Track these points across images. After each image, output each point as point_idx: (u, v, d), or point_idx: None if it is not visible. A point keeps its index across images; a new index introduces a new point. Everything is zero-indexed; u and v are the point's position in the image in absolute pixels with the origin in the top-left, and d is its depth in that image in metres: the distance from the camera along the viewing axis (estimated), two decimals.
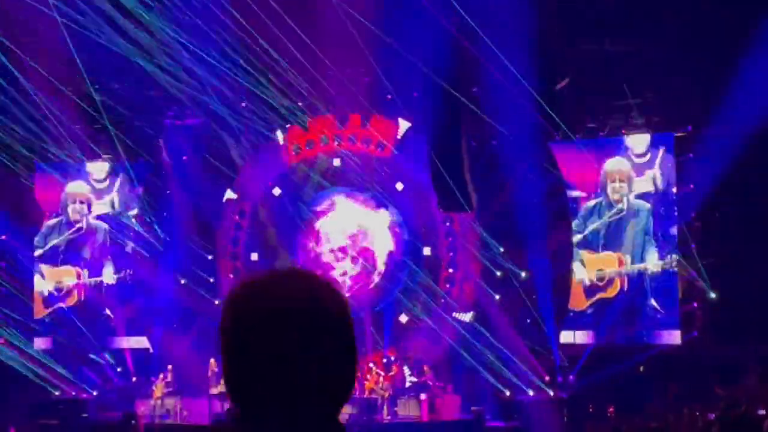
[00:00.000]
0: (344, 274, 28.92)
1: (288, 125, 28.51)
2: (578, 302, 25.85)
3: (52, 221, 29.31)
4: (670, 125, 25.11)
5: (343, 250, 29.06)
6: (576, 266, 25.77)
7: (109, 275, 28.97)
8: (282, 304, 2.67)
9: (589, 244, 25.75)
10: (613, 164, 25.41)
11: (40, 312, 29.17)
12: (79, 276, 29.20)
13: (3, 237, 28.74)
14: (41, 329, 29.04)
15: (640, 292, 25.04)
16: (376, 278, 28.80)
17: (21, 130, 26.90)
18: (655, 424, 17.18)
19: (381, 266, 28.77)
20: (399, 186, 28.47)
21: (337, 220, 29.09)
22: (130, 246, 28.98)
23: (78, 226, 29.21)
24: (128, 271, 28.87)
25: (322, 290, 2.73)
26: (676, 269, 24.69)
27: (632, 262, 25.16)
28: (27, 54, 25.10)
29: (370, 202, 28.94)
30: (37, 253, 29.23)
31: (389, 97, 27.70)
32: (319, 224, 29.19)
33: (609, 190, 25.41)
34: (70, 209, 29.17)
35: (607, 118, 25.78)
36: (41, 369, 28.46)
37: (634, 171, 25.19)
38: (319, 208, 29.21)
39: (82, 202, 29.16)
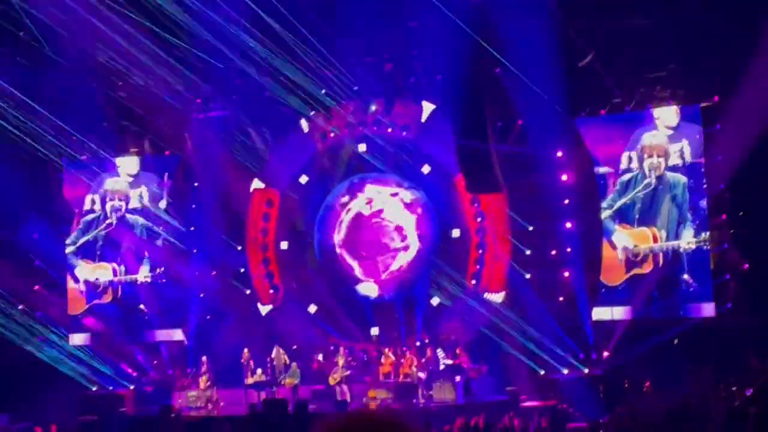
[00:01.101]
0: (374, 260, 28.95)
1: (312, 113, 28.49)
2: (613, 277, 25.73)
3: (89, 217, 29.50)
4: (696, 97, 24.90)
5: (372, 236, 29.06)
6: (614, 238, 25.64)
7: (145, 273, 29.12)
8: None
9: (624, 217, 25.60)
10: (650, 138, 25.21)
11: (76, 308, 29.37)
12: (115, 272, 29.38)
13: (35, 236, 28.87)
14: (78, 325, 29.24)
15: (675, 267, 24.92)
16: (406, 263, 28.78)
17: (48, 129, 27.03)
18: (693, 399, 17.11)
19: (411, 251, 28.75)
20: (425, 169, 28.42)
21: (365, 206, 29.07)
22: (160, 240, 29.12)
23: (108, 221, 29.36)
24: (161, 268, 29.00)
25: None
26: (708, 246, 24.54)
27: (667, 238, 25.01)
28: (52, 51, 25.15)
29: (397, 187, 28.91)
30: (71, 249, 29.42)
31: (412, 80, 27.67)
32: (348, 211, 29.19)
33: (646, 165, 25.22)
34: (108, 204, 29.32)
35: (633, 92, 25.60)
36: (78, 365, 28.70)
37: (669, 144, 25.03)
38: (347, 195, 29.22)
39: (120, 198, 29.33)
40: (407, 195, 28.87)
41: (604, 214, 25.76)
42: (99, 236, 29.47)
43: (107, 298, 29.33)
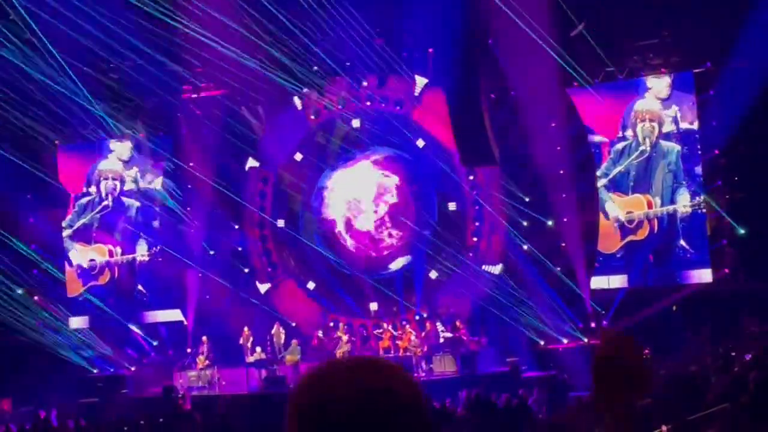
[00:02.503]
0: (370, 236, 28.98)
1: (305, 90, 28.43)
2: (609, 245, 25.79)
3: (84, 200, 29.52)
4: (689, 64, 24.89)
5: (366, 211, 29.08)
6: (607, 208, 25.67)
7: (142, 252, 29.14)
8: (354, 404, 2.54)
9: (618, 186, 25.64)
10: (643, 104, 25.21)
11: (74, 290, 29.40)
12: (111, 254, 29.39)
13: (31, 220, 28.86)
14: (77, 308, 29.27)
15: (670, 233, 24.97)
16: (401, 238, 28.81)
17: (41, 112, 26.97)
18: (693, 367, 17.18)
19: (407, 224, 28.78)
20: (420, 143, 28.40)
21: (357, 181, 29.07)
22: (157, 221, 29.12)
23: (104, 203, 29.36)
24: (158, 247, 29.02)
25: (394, 382, 2.59)
26: (704, 210, 24.60)
27: (661, 204, 25.05)
28: (44, 34, 25.07)
29: (392, 161, 28.91)
30: (67, 233, 29.42)
31: (404, 54, 27.61)
32: (342, 186, 29.19)
33: (639, 131, 25.22)
34: (102, 186, 29.32)
35: (625, 60, 25.58)
36: (78, 347, 28.77)
37: (663, 111, 25.02)
38: (341, 172, 29.22)
39: (114, 179, 29.31)
40: (400, 169, 28.85)
41: (599, 183, 25.79)
42: (95, 218, 29.47)
43: (104, 279, 29.34)
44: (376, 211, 29.04)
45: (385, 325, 27.56)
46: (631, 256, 25.55)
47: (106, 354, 28.97)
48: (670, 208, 24.93)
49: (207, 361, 27.23)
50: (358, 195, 29.10)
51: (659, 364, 21.67)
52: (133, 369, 28.74)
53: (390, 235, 28.93)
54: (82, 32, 24.83)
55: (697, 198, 24.59)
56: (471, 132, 24.90)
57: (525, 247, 26.97)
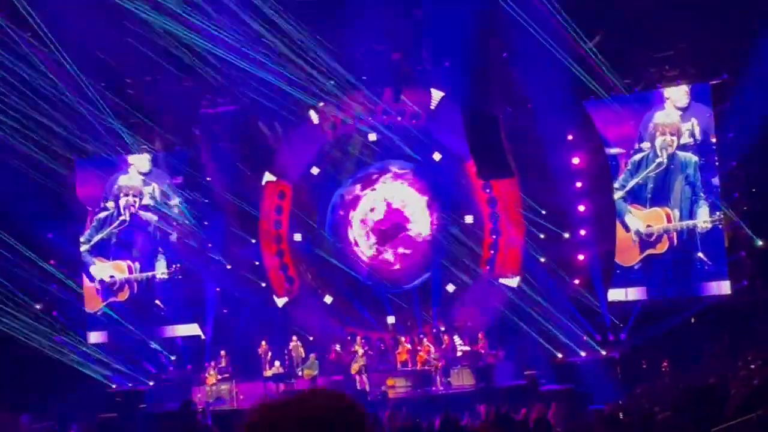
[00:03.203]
0: (386, 250, 28.99)
1: (321, 104, 28.50)
2: (627, 258, 25.73)
3: (102, 215, 29.57)
4: (706, 75, 24.86)
5: (382, 225, 29.10)
6: (626, 220, 25.62)
7: (162, 270, 29.18)
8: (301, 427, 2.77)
9: (636, 198, 25.59)
10: (663, 117, 25.17)
11: (92, 306, 29.45)
12: (130, 270, 29.45)
13: (49, 235, 28.95)
14: (95, 323, 29.32)
15: (689, 246, 24.90)
16: (418, 251, 28.84)
17: (58, 128, 27.08)
18: (713, 379, 17.10)
19: (424, 237, 28.79)
20: (437, 156, 28.43)
21: (376, 195, 29.11)
22: (174, 235, 29.18)
23: (122, 218, 29.43)
24: (177, 265, 29.07)
25: (339, 408, 2.84)
26: (722, 225, 24.51)
27: (681, 218, 24.98)
28: (62, 50, 25.19)
29: (409, 175, 28.95)
30: (85, 248, 29.49)
31: (420, 68, 27.65)
32: (359, 200, 29.25)
33: (658, 143, 25.18)
34: (121, 201, 29.38)
35: (642, 72, 25.56)
36: (97, 363, 28.81)
37: (681, 123, 24.98)
38: (358, 185, 29.26)
39: (135, 196, 29.39)
40: (416, 182, 28.88)
41: (617, 195, 25.74)
42: (113, 234, 29.55)
43: (123, 296, 29.40)
44: (393, 225, 29.04)
45: (402, 339, 27.55)
46: (650, 269, 25.49)
47: (125, 369, 28.98)
48: (690, 223, 24.86)
49: (219, 375, 27.24)
50: (377, 208, 29.11)
51: (678, 376, 21.62)
52: (151, 384, 28.74)
53: (406, 249, 28.92)
54: (101, 48, 24.97)
55: (717, 213, 24.51)
56: (487, 145, 24.90)
57: (542, 259, 26.94)
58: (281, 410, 2.81)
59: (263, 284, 29.47)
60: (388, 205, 29.08)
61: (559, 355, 26.16)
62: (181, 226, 29.23)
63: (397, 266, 29.02)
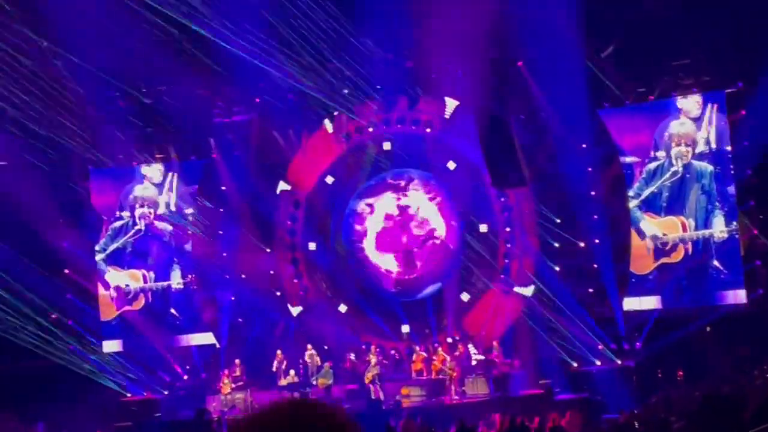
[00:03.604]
0: (401, 259, 29.01)
1: (336, 113, 28.56)
2: (641, 266, 25.68)
3: (117, 224, 29.60)
4: (720, 83, 24.81)
5: (397, 234, 29.11)
6: (639, 229, 25.56)
7: (177, 280, 29.20)
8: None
9: (650, 206, 25.55)
10: (678, 126, 25.12)
11: (107, 315, 29.48)
12: (145, 279, 29.48)
13: (64, 244, 29.01)
14: (110, 332, 29.36)
15: (705, 255, 24.83)
16: (435, 257, 28.84)
17: (74, 137, 27.16)
18: (728, 388, 17.05)
19: (438, 243, 28.80)
20: (451, 165, 28.45)
21: (390, 205, 29.13)
22: (189, 245, 29.22)
23: (137, 228, 29.48)
24: (191, 275, 29.11)
25: (325, 417, 2.94)
26: (738, 235, 24.43)
27: (696, 228, 24.91)
28: (79, 58, 25.31)
29: (421, 184, 28.96)
30: (100, 257, 29.52)
31: (434, 77, 27.67)
32: (373, 211, 29.27)
33: (673, 153, 25.13)
34: (137, 212, 29.44)
35: (657, 81, 25.52)
36: (112, 372, 28.85)
37: (696, 132, 24.93)
38: (372, 195, 29.28)
39: (150, 206, 29.43)
40: (431, 191, 28.90)
41: (632, 204, 25.69)
42: (128, 243, 29.58)
43: (138, 305, 29.44)
44: (408, 234, 29.06)
45: (417, 348, 27.54)
46: (665, 278, 25.42)
47: (140, 378, 29.02)
48: (706, 232, 24.78)
49: (233, 384, 27.26)
50: (392, 217, 29.15)
51: (693, 385, 21.56)
52: (166, 393, 28.75)
53: (422, 258, 28.95)
54: (117, 56, 25.06)
55: (732, 222, 24.44)
56: (501, 154, 24.93)
57: (557, 268, 26.89)
58: (272, 418, 2.91)
59: (278, 293, 29.47)
60: (404, 213, 29.07)
61: (574, 364, 26.11)
62: (196, 236, 29.26)
63: (413, 275, 29.00)
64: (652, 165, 25.47)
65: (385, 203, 29.23)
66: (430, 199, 28.98)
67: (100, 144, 27.84)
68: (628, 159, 25.82)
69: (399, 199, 29.16)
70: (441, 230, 28.88)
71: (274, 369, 27.50)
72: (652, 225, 25.50)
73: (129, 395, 28.72)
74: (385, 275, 29.16)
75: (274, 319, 29.12)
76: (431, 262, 28.92)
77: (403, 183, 29.18)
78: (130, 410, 27.64)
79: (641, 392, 23.93)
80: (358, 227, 29.43)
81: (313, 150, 29.21)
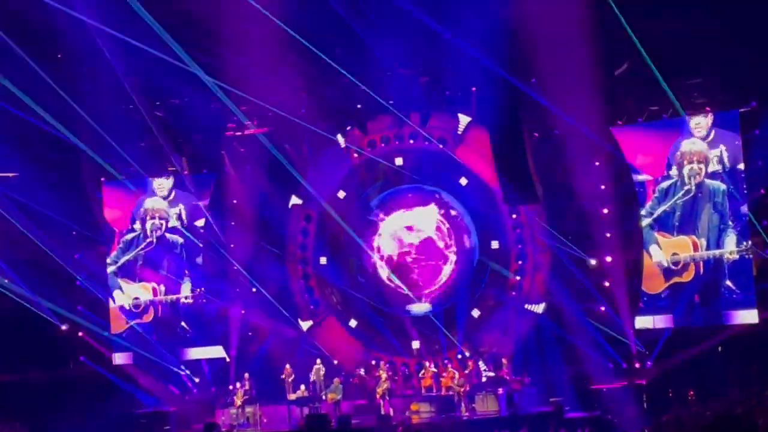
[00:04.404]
0: (413, 273, 28.98)
1: (348, 128, 28.60)
2: (653, 286, 25.56)
3: (129, 236, 29.66)
4: (734, 102, 24.73)
5: (409, 250, 29.09)
6: (651, 249, 25.48)
7: (186, 292, 29.21)
8: None
9: (663, 225, 25.45)
10: (690, 145, 25.06)
11: (118, 327, 29.51)
12: (155, 292, 29.50)
13: (77, 256, 29.07)
14: (120, 345, 29.38)
15: (716, 274, 24.71)
16: (445, 276, 28.80)
17: (86, 150, 27.20)
18: (739, 409, 16.98)
19: (450, 263, 28.77)
20: (463, 181, 28.44)
21: (402, 220, 29.12)
22: (200, 258, 29.23)
23: (148, 240, 29.53)
24: (201, 289, 29.11)
25: None
26: (751, 255, 24.33)
27: (708, 247, 24.81)
28: (89, 75, 25.37)
29: (434, 200, 28.94)
30: (111, 269, 29.56)
31: (448, 93, 27.67)
32: (384, 225, 29.27)
33: (686, 171, 25.06)
34: (149, 224, 29.48)
35: (670, 100, 25.44)
36: (122, 383, 28.86)
37: (709, 151, 24.86)
38: (384, 209, 29.27)
39: (161, 218, 29.47)
40: (445, 208, 28.88)
41: (644, 222, 25.60)
42: (139, 255, 29.61)
43: (148, 318, 29.45)
44: (421, 249, 29.05)
45: (427, 364, 27.48)
46: (676, 297, 25.32)
47: (149, 391, 29.01)
48: (717, 252, 24.68)
49: (246, 397, 27.23)
50: (402, 234, 29.13)
51: (704, 405, 21.45)
52: (175, 406, 28.72)
53: (434, 273, 28.93)
54: (129, 69, 25.11)
55: (744, 243, 24.35)
56: (514, 170, 24.87)
57: (568, 286, 26.80)
58: None
59: (288, 307, 29.45)
60: (415, 229, 29.06)
61: (586, 383, 25.99)
62: (207, 249, 29.27)
63: (424, 291, 28.98)
64: (665, 183, 25.39)
65: (397, 219, 29.22)
66: (443, 215, 28.94)
67: (113, 156, 27.85)
68: (641, 177, 25.74)
69: (410, 214, 29.12)
70: (450, 246, 28.82)
71: (284, 377, 27.47)
72: (664, 244, 25.41)
73: (139, 408, 28.66)
74: (396, 291, 29.11)
75: (285, 333, 29.08)
76: (443, 277, 28.86)
77: (415, 199, 29.15)
78: (139, 423, 27.69)
79: (652, 411, 23.83)
80: (369, 242, 29.39)
81: (325, 164, 29.23)
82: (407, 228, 29.16)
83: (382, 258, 29.35)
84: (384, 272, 29.27)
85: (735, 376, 23.40)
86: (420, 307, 28.97)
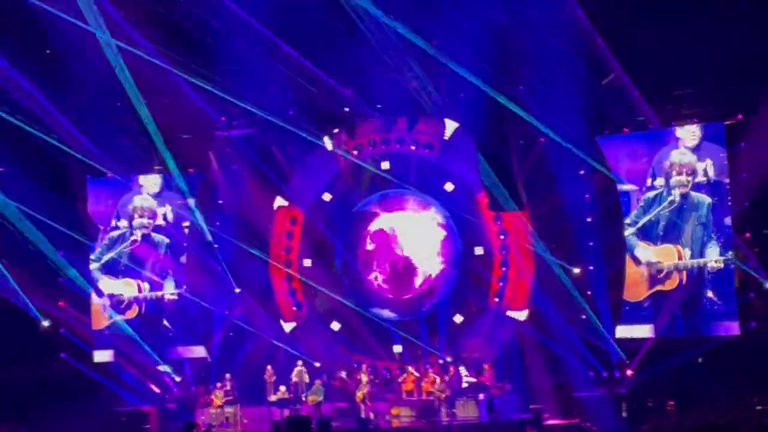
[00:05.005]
0: (396, 278, 28.99)
1: (336, 131, 28.63)
2: (636, 293, 25.67)
3: (114, 233, 29.65)
4: (721, 115, 24.84)
5: (393, 254, 29.11)
6: (635, 256, 25.57)
7: (170, 290, 29.18)
8: None
9: (647, 235, 25.57)
10: (679, 156, 25.15)
11: (99, 324, 29.46)
12: (140, 289, 29.48)
13: (60, 252, 28.98)
14: (101, 342, 29.33)
15: (699, 285, 24.83)
16: (428, 281, 28.83)
17: (73, 145, 27.15)
18: (719, 419, 17.06)
19: (433, 268, 28.79)
20: (449, 187, 28.48)
21: (387, 223, 29.13)
22: (184, 257, 29.21)
23: (132, 238, 29.50)
24: (185, 287, 29.10)
25: None
26: (733, 266, 24.45)
27: (692, 256, 24.93)
28: (77, 71, 25.34)
29: (421, 205, 28.96)
30: (95, 266, 29.54)
31: (435, 98, 27.71)
32: (370, 228, 29.26)
33: (673, 182, 25.16)
34: (136, 222, 29.47)
35: (657, 110, 25.56)
36: (103, 381, 28.80)
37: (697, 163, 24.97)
38: (369, 213, 29.27)
39: (148, 217, 29.45)
40: (432, 214, 28.90)
41: (628, 231, 25.71)
42: (123, 253, 29.60)
43: (131, 314, 29.42)
44: (401, 254, 29.08)
45: (409, 368, 27.50)
46: (658, 306, 25.43)
47: (130, 389, 28.94)
48: (701, 261, 24.80)
49: (225, 398, 27.20)
50: (386, 238, 29.16)
51: (684, 415, 21.54)
52: (156, 405, 28.65)
53: (417, 278, 28.95)
54: (117, 66, 25.11)
55: (728, 253, 24.46)
56: (499, 177, 24.96)
57: (551, 293, 26.83)
58: None
59: (271, 309, 29.43)
60: (397, 235, 29.08)
61: (566, 390, 26.03)
62: (191, 248, 29.25)
63: (407, 296, 29.00)
64: (651, 194, 25.49)
65: (381, 222, 29.23)
66: (426, 220, 28.95)
67: (99, 153, 27.81)
68: (625, 187, 25.83)
69: (395, 219, 29.15)
70: (433, 252, 28.85)
71: (265, 378, 27.47)
72: (647, 252, 25.51)
73: (119, 406, 28.57)
74: (379, 295, 29.12)
75: (267, 334, 29.06)
76: (426, 282, 28.90)
77: (400, 203, 29.17)
78: (119, 421, 27.58)
79: (632, 421, 23.91)
80: (353, 247, 29.39)
81: (311, 167, 29.23)
82: (393, 231, 29.12)
83: (366, 262, 29.34)
84: (368, 275, 29.25)
85: (715, 387, 23.48)
86: (387, 314, 28.99)
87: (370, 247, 29.28)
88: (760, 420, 16.55)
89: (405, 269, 29.05)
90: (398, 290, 29.04)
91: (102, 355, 29.35)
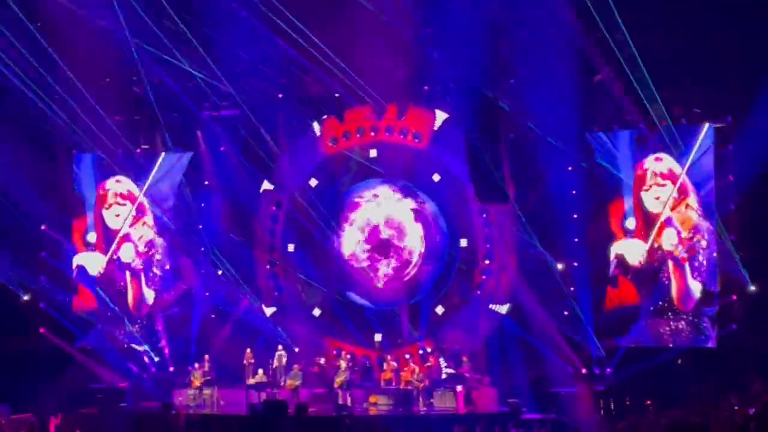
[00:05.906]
0: (378, 266, 28.95)
1: (325, 116, 28.59)
2: (618, 293, 25.75)
3: (100, 211, 29.50)
4: (709, 116, 24.86)
5: (377, 242, 29.06)
6: (620, 255, 25.61)
7: (152, 270, 29.09)
8: None
9: (633, 234, 25.59)
10: (664, 156, 25.16)
11: (81, 300, 29.39)
12: (122, 267, 29.36)
13: (43, 227, 28.88)
14: (81, 318, 29.26)
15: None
16: (411, 270, 28.80)
17: (60, 121, 27.05)
18: (695, 418, 17.10)
19: (416, 258, 28.76)
20: (436, 177, 28.45)
21: (372, 211, 29.08)
22: (168, 236, 29.13)
23: (118, 215, 29.40)
24: (167, 266, 29.04)
25: None
26: (717, 266, 24.51)
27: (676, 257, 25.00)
28: (67, 46, 25.25)
29: (406, 194, 28.92)
30: (79, 243, 29.45)
31: (426, 88, 27.71)
32: (354, 216, 29.20)
33: (660, 181, 25.18)
34: (119, 200, 29.35)
35: (646, 110, 25.54)
36: (80, 358, 28.72)
37: (678, 165, 24.96)
38: (355, 199, 29.21)
39: (131, 194, 29.33)
40: (416, 203, 28.86)
41: (613, 229, 25.74)
42: (108, 230, 29.51)
43: (111, 291, 29.33)
44: (385, 243, 29.03)
45: (388, 357, 27.47)
46: (639, 306, 25.48)
47: (108, 366, 28.86)
48: (685, 262, 24.85)
49: (203, 379, 27.13)
50: (372, 226, 29.11)
51: (661, 413, 21.57)
52: (132, 382, 28.56)
53: (400, 267, 28.92)
54: (108, 43, 25.03)
55: (713, 254, 24.51)
56: (487, 169, 24.93)
57: (533, 288, 26.83)
58: None
59: (253, 292, 29.37)
60: (384, 223, 29.03)
61: (544, 385, 26.04)
62: (176, 228, 29.18)
63: (390, 285, 28.97)
64: (637, 192, 25.51)
65: (367, 211, 29.17)
66: (414, 210, 28.91)
67: (86, 129, 27.69)
68: (612, 185, 25.86)
69: (380, 208, 29.09)
70: (418, 241, 28.82)
71: (244, 361, 27.44)
72: (633, 252, 25.53)
73: (96, 382, 28.50)
74: (362, 283, 29.09)
75: (247, 317, 29.00)
76: (409, 271, 28.87)
77: (386, 192, 29.11)
78: (95, 397, 27.51)
79: (609, 418, 23.94)
80: (338, 231, 29.33)
81: (299, 152, 29.17)
82: (379, 219, 29.07)
83: (350, 249, 29.30)
84: (352, 262, 29.19)
85: (693, 387, 23.53)
86: (368, 302, 28.99)
87: (354, 234, 29.20)
88: (736, 419, 16.59)
89: (386, 246, 28.99)
90: (378, 269, 28.95)
91: (82, 331, 29.31)
